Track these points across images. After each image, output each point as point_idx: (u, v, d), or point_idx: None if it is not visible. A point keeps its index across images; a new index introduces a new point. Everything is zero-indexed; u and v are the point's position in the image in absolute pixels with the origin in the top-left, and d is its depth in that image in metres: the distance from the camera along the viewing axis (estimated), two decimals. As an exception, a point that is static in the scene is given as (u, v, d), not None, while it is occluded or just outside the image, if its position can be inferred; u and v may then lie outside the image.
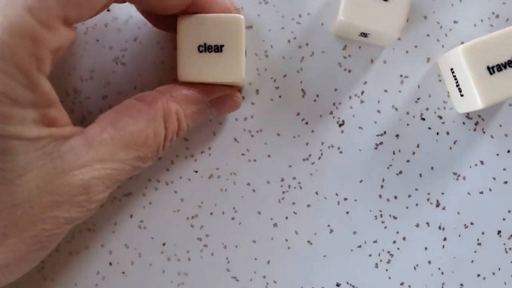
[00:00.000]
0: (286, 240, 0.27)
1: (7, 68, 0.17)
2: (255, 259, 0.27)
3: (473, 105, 0.24)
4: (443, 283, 0.27)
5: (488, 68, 0.23)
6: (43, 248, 0.20)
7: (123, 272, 0.27)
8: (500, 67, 0.23)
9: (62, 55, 0.19)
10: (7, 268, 0.19)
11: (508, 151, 0.27)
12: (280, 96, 0.27)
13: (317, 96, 0.27)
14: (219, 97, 0.25)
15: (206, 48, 0.23)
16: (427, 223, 0.27)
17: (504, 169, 0.27)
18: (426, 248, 0.27)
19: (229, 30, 0.23)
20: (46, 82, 0.18)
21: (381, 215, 0.27)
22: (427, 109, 0.27)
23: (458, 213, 0.27)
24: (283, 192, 0.27)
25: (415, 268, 0.27)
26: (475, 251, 0.27)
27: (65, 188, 0.19)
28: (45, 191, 0.19)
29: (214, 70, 0.23)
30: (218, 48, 0.23)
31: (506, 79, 0.23)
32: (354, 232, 0.27)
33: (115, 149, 0.21)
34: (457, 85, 0.25)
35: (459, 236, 0.27)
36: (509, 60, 0.23)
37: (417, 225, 0.27)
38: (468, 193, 0.27)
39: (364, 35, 0.25)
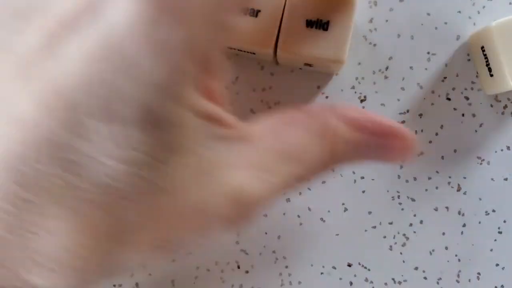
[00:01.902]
0: (298, 216, 0.26)
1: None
2: (266, 233, 0.26)
3: (502, 86, 0.23)
4: (459, 271, 0.26)
5: None
6: (164, 257, 0.17)
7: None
8: None
9: None
10: (124, 265, 0.16)
11: (537, 137, 0.26)
12: (300, 68, 0.26)
13: (339, 69, 0.26)
14: (387, 133, 0.20)
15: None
16: (447, 208, 0.26)
17: (532, 156, 0.25)
18: (443, 233, 0.26)
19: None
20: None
21: (398, 196, 0.26)
22: (453, 89, 0.26)
23: (480, 199, 0.26)
24: (298, 167, 0.26)
25: (431, 253, 0.26)
26: (495, 240, 0.26)
27: (217, 187, 0.16)
28: (196, 185, 0.16)
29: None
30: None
31: None
32: (369, 212, 0.26)
33: (274, 158, 0.18)
34: (487, 65, 0.24)
35: (479, 223, 0.26)
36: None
37: (436, 209, 0.26)
38: (492, 179, 0.26)
39: (309, 65, 0.24)
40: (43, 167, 0.14)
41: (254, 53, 0.25)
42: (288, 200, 0.26)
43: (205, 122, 0.16)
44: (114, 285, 0.26)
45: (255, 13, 0.22)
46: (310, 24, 0.22)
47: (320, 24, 0.22)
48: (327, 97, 0.26)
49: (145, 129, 0.15)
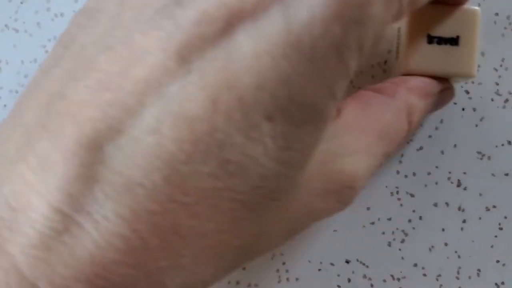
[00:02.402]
0: (296, 212, 0.26)
1: None
2: (263, 229, 0.26)
3: (399, 67, 0.23)
4: (459, 267, 0.25)
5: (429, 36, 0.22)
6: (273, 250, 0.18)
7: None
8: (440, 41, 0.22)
9: None
10: (249, 260, 0.17)
11: (539, 132, 0.25)
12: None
13: (337, 63, 0.25)
14: (441, 91, 0.23)
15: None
16: (446, 203, 0.25)
17: (533, 151, 0.25)
18: (443, 230, 0.25)
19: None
20: None
21: (397, 192, 0.25)
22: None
23: (480, 194, 0.25)
24: (296, 162, 0.26)
25: (430, 250, 0.25)
26: (496, 236, 0.25)
27: (336, 175, 0.17)
28: (319, 175, 0.16)
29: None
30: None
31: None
32: (368, 208, 0.26)
33: (371, 140, 0.19)
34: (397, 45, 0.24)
35: (480, 219, 0.25)
36: (451, 38, 0.22)
37: (435, 205, 0.25)
38: (492, 174, 0.25)
39: None
40: (203, 167, 0.14)
41: None
42: (285, 195, 0.26)
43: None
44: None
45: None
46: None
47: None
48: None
49: (304, 127, 0.14)
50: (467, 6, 0.22)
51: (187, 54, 0.13)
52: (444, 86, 0.23)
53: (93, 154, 0.13)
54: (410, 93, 0.21)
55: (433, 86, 0.22)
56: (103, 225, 0.13)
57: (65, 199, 0.13)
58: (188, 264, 0.14)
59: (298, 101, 0.14)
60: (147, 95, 0.13)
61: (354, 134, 0.18)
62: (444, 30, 0.22)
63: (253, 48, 0.13)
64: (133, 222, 0.13)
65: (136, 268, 0.14)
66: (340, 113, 0.18)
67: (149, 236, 0.13)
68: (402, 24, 0.22)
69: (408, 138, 0.21)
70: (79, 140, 0.13)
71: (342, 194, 0.18)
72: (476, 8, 0.22)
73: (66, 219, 0.13)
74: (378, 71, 0.25)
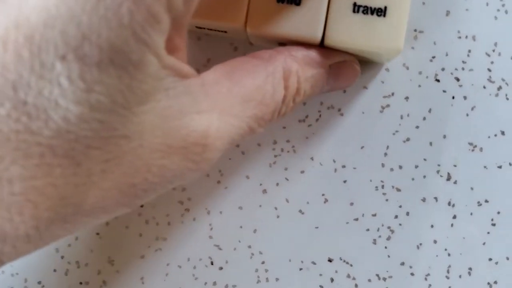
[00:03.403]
0: (276, 208, 0.25)
1: None
2: (241, 227, 0.25)
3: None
4: (449, 266, 0.24)
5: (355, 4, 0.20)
6: (129, 206, 0.17)
7: (97, 233, 0.25)
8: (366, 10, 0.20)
9: None
10: (87, 217, 0.16)
11: (534, 121, 0.24)
12: (276, 49, 0.24)
13: (318, 49, 0.24)
14: (339, 63, 0.22)
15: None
16: (435, 198, 0.24)
17: (528, 141, 0.24)
18: (432, 226, 0.24)
19: None
20: None
21: (382, 186, 0.24)
22: (442, 69, 0.24)
23: (472, 188, 0.24)
24: (275, 156, 0.25)
25: (418, 247, 0.24)
26: (488, 232, 0.24)
27: (181, 131, 0.17)
28: (160, 130, 0.16)
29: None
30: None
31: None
32: (351, 204, 0.24)
33: (233, 101, 0.18)
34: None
35: (471, 214, 0.24)
36: (378, 8, 0.20)
37: (424, 200, 0.24)
38: (485, 167, 0.24)
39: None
40: (0, 109, 0.14)
41: (226, 32, 0.23)
42: (264, 191, 0.25)
43: (168, 72, 0.16)
44: (81, 283, 0.25)
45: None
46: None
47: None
48: (305, 80, 0.24)
49: (105, 69, 0.14)
50: None
51: None
52: (341, 58, 0.22)
53: None
54: (291, 59, 0.20)
55: (322, 55, 0.21)
56: None
57: None
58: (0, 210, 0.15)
59: (92, 41, 0.14)
60: None
61: (211, 94, 0.18)
62: None
63: None
64: None
65: None
66: (201, 75, 0.18)
67: None
68: None
69: (287, 103, 0.20)
70: None
71: (191, 152, 0.17)
72: None
73: None
74: (361, 58, 0.24)
